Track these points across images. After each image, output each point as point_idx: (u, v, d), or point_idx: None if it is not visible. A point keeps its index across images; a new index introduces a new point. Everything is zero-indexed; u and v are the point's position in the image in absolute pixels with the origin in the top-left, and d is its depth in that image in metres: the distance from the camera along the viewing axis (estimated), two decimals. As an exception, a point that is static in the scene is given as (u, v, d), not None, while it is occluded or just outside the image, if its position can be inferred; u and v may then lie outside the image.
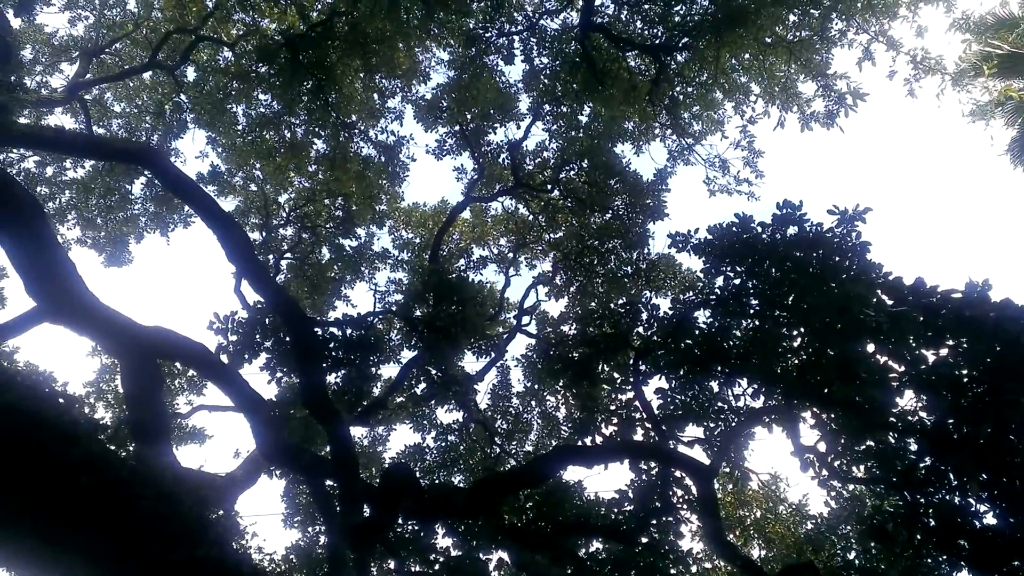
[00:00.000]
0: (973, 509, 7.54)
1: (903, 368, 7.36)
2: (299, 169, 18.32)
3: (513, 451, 16.67)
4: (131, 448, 10.92)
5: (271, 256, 18.32)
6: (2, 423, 3.69)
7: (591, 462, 9.80)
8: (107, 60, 17.66)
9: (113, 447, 4.73)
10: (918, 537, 7.92)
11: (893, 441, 8.11)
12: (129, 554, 3.90)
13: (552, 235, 18.88)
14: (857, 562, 10.79)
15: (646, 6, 13.84)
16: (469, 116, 16.83)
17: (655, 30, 13.72)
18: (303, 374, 11.31)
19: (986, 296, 6.65)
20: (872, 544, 9.45)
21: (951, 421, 7.28)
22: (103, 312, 9.77)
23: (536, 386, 16.83)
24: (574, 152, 16.83)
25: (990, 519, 7.49)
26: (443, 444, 16.22)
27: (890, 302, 7.23)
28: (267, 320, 12.14)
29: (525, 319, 18.62)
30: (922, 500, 7.94)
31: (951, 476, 7.70)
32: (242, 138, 17.47)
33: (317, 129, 16.82)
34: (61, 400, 4.45)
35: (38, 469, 3.74)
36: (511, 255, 19.66)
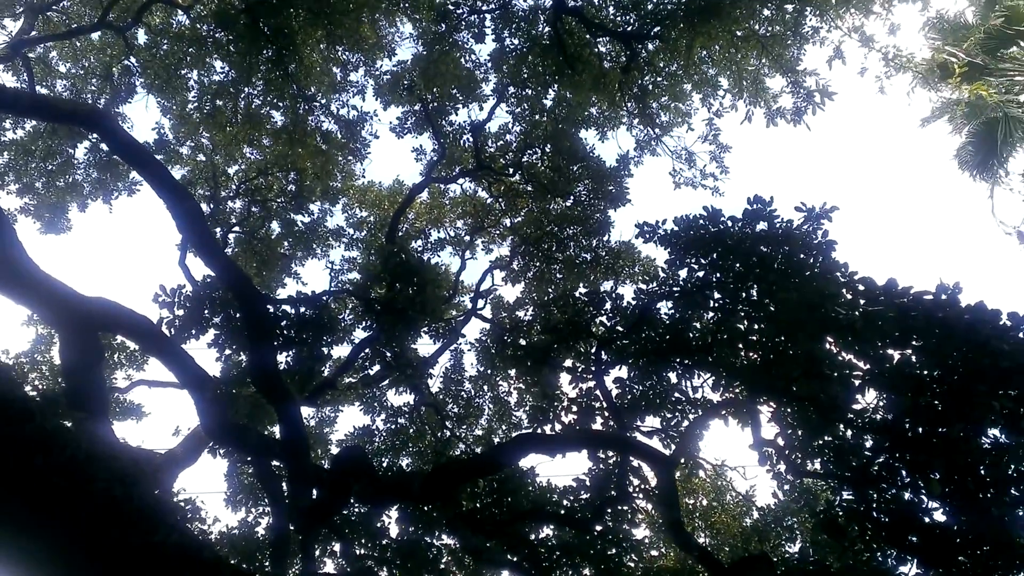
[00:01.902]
0: (924, 506, 7.69)
1: (868, 366, 7.43)
2: (254, 141, 17.74)
3: (463, 435, 16.53)
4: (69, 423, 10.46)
5: (219, 229, 17.73)
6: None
7: (552, 451, 9.72)
8: (54, 17, 16.79)
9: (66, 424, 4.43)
10: (869, 531, 8.04)
11: (850, 437, 8.21)
12: (84, 539, 3.64)
13: (511, 219, 18.73)
14: (804, 553, 10.94)
15: (620, -9, 13.72)
16: (431, 95, 16.50)
17: (628, 16, 13.61)
18: (253, 352, 10.96)
19: (956, 299, 6.73)
20: (821, 536, 9.58)
21: (908, 420, 7.40)
22: (43, 280, 9.26)
23: (489, 371, 16.71)
24: (537, 136, 16.67)
25: (940, 516, 7.67)
26: (393, 426, 15.99)
27: (862, 301, 7.26)
28: (216, 295, 11.74)
29: (480, 303, 18.47)
30: (875, 496, 8.06)
31: (904, 473, 7.84)
32: (194, 106, 16.82)
33: (275, 100, 16.28)
34: (11, 372, 4.12)
35: (-14, 446, 3.45)
36: (468, 238, 19.44)
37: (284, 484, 11.40)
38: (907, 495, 7.80)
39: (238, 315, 11.27)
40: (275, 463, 11.77)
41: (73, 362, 9.70)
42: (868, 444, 8.09)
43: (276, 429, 12.29)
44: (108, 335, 15.34)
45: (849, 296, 7.60)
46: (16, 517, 3.58)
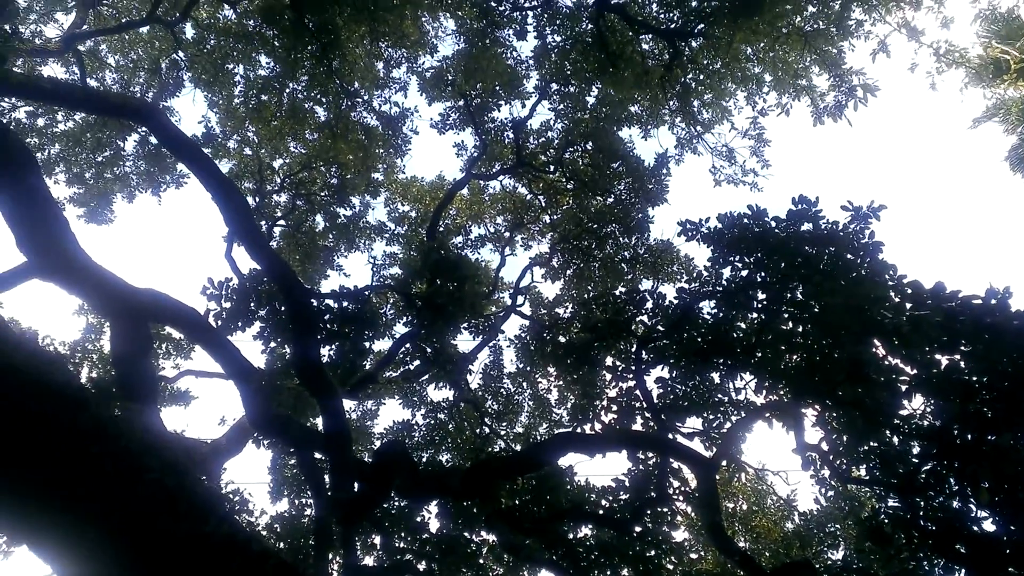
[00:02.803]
0: (973, 515, 7.53)
1: (914, 371, 7.29)
2: (297, 135, 17.97)
3: (503, 432, 16.58)
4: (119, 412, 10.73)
5: (264, 222, 18.00)
6: (11, 385, 3.49)
7: (592, 450, 9.71)
8: (104, 11, 17.15)
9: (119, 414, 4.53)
10: (915, 539, 7.90)
11: (896, 444, 8.07)
12: (136, 528, 3.72)
13: (551, 216, 18.70)
14: (847, 562, 10.79)
15: (663, -11, 13.60)
16: (473, 92, 16.54)
17: (671, 14, 13.48)
18: (297, 345, 11.12)
19: (1006, 303, 6.56)
20: (867, 544, 9.43)
21: (957, 427, 7.25)
22: (95, 271, 9.52)
23: (528, 368, 16.73)
24: (579, 133, 16.61)
25: (989, 525, 7.51)
26: (432, 422, 16.10)
27: (908, 305, 7.12)
28: (262, 288, 11.92)
29: (519, 300, 18.48)
30: (921, 503, 7.92)
31: (952, 481, 7.68)
32: (240, 100, 17.08)
33: (318, 95, 16.45)
34: (66, 363, 4.24)
35: (46, 436, 3.55)
36: (508, 234, 19.48)
37: (326, 476, 11.54)
38: (955, 503, 7.66)
39: (283, 308, 11.44)
40: (318, 455, 11.94)
41: (124, 351, 9.95)
42: (915, 451, 7.96)
43: (319, 421, 12.46)
44: (156, 325, 15.69)
45: (896, 299, 7.45)
46: (68, 505, 3.65)
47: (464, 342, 17.16)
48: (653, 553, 10.09)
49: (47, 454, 3.54)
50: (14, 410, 3.50)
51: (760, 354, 9.00)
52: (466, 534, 10.60)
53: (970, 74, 12.73)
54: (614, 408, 10.71)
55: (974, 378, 6.95)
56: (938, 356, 7.11)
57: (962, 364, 6.96)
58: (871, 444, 8.13)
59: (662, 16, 13.95)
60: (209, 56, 16.55)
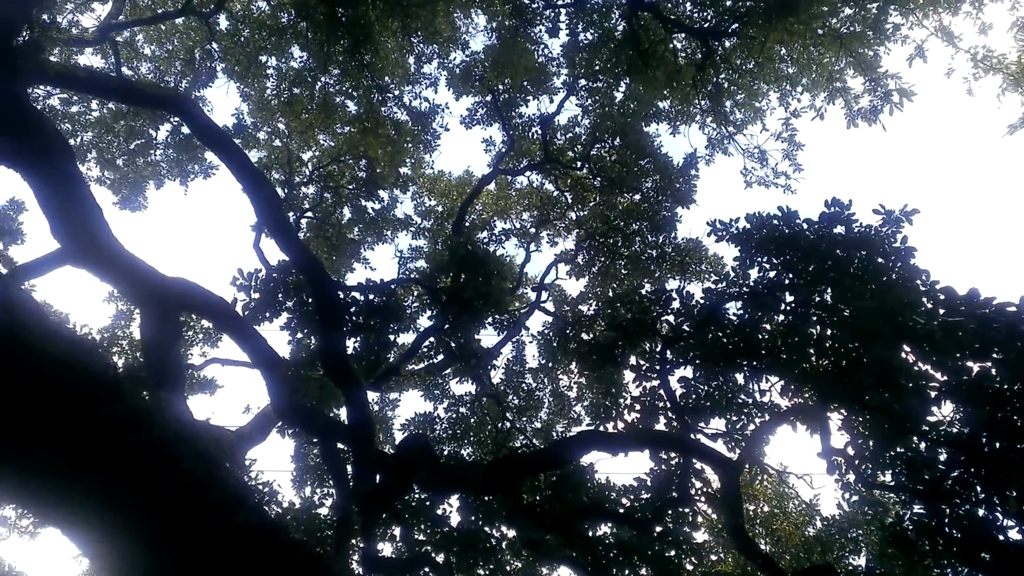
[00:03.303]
0: (1000, 523, 7.46)
1: (945, 377, 7.21)
2: (328, 128, 18.08)
3: (524, 427, 16.61)
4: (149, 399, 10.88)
5: (292, 214, 18.15)
6: (51, 375, 3.57)
7: (614, 449, 9.70)
8: (140, 2, 17.35)
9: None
10: (940, 547, 7.84)
11: (923, 450, 7.99)
12: (169, 517, 3.79)
13: (577, 213, 18.67)
14: (870, 567, 10.72)
15: (697, -12, 13.50)
16: (502, 87, 16.54)
17: (705, 13, 13.39)
18: (323, 336, 11.22)
19: (1042, 311, 6.47)
20: (890, 550, 9.36)
21: (986, 434, 7.17)
22: (128, 259, 9.66)
23: (551, 364, 16.74)
24: (607, 130, 16.55)
25: (1015, 534, 7.43)
26: (454, 415, 16.17)
27: (941, 311, 7.04)
28: (289, 279, 12.03)
29: (544, 296, 18.48)
30: (947, 511, 7.84)
31: (979, 489, 7.60)
32: (272, 92, 17.22)
33: (350, 89, 16.54)
34: (102, 352, 4.32)
35: (84, 423, 3.62)
36: (533, 230, 19.48)
37: (349, 467, 11.64)
38: (981, 511, 7.59)
39: (310, 300, 11.54)
40: (340, 445, 12.04)
41: (154, 339, 10.10)
42: (942, 458, 7.88)
43: (342, 412, 12.55)
44: (185, 313, 15.89)
45: (928, 305, 7.37)
46: (103, 492, 3.72)
47: (487, 337, 17.20)
48: (673, 553, 10.08)
49: (84, 441, 3.61)
50: (54, 397, 3.58)
51: (786, 356, 8.94)
52: (486, 529, 10.65)
53: (1008, 80, 12.51)
54: (637, 407, 10.69)
55: (1006, 386, 6.86)
56: (970, 363, 7.02)
57: (994, 371, 6.88)
58: (898, 450, 8.07)
59: (696, 15, 13.86)
60: (243, 48, 16.68)
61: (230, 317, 11.02)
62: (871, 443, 8.27)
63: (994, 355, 6.87)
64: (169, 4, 17.34)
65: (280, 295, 11.76)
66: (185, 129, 17.05)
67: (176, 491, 3.89)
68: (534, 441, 16.04)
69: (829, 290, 8.51)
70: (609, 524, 11.05)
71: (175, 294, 10.10)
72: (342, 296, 12.05)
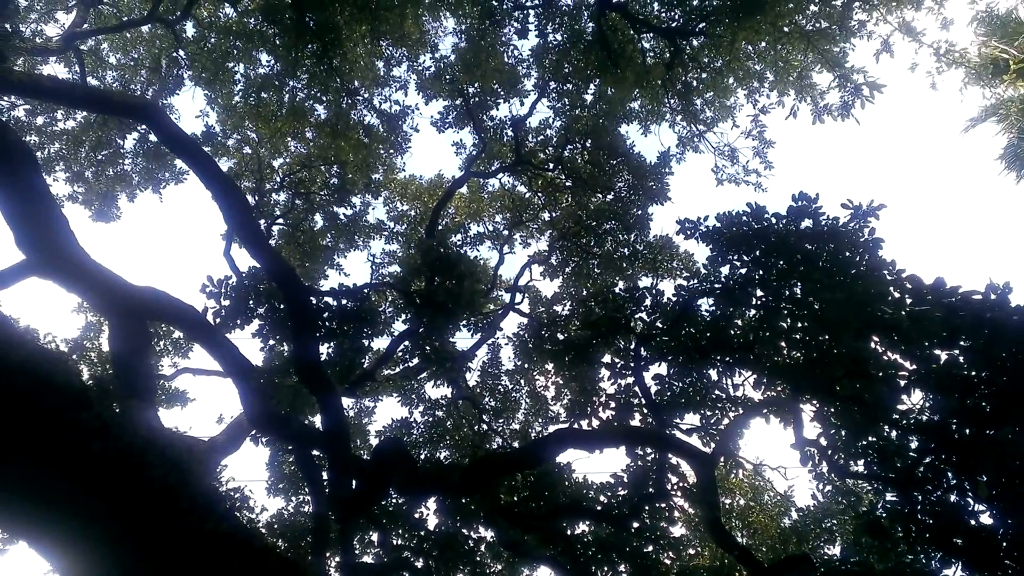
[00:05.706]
0: (971, 509, 7.56)
1: (914, 366, 7.31)
2: (297, 134, 17.97)
3: (500, 429, 16.60)
4: (119, 409, 10.72)
5: (263, 221, 17.99)
6: (15, 383, 3.49)
7: (590, 446, 9.72)
8: (105, 10, 17.14)
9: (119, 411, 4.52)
10: (913, 533, 7.93)
11: (895, 438, 8.09)
12: (138, 526, 3.72)
13: (550, 214, 18.71)
14: (846, 555, 10.81)
15: (665, -12, 13.59)
16: (473, 90, 16.53)
17: (672, 12, 13.49)
18: (296, 342, 11.13)
19: (1006, 298, 6.58)
20: (865, 539, 9.46)
21: (955, 421, 7.27)
22: (94, 269, 9.50)
23: (526, 365, 16.75)
24: (578, 131, 16.60)
25: (987, 519, 7.53)
26: (430, 419, 16.11)
27: (908, 300, 7.14)
28: (261, 286, 11.91)
29: (518, 297, 18.49)
30: (920, 497, 7.94)
31: (951, 475, 7.71)
32: (240, 98, 17.08)
33: (319, 94, 16.45)
34: (68, 360, 4.24)
35: (49, 433, 3.55)
36: (506, 232, 19.48)
37: (325, 473, 11.56)
38: (953, 497, 7.69)
39: (282, 306, 11.44)
40: (316, 452, 11.95)
41: (122, 349, 9.95)
42: (913, 445, 7.98)
43: (317, 419, 12.47)
44: (155, 323, 15.69)
45: (896, 295, 7.46)
46: (70, 502, 3.65)
47: (463, 339, 17.17)
48: (651, 549, 10.13)
49: (49, 452, 3.54)
50: (16, 408, 3.50)
51: (758, 350, 9.02)
52: (464, 531, 10.63)
53: (969, 74, 12.76)
54: (612, 404, 10.72)
55: (973, 373, 6.97)
56: (938, 351, 7.13)
57: (961, 359, 6.98)
58: (870, 439, 8.16)
59: (663, 15, 13.96)
60: (209, 54, 16.55)
61: (201, 325, 10.87)
62: (843, 433, 8.35)
63: (961, 343, 6.98)
64: (135, 12, 17.15)
65: (251, 302, 11.65)
66: (153, 137, 16.86)
67: (145, 498, 3.82)
68: (511, 443, 16.03)
69: (799, 284, 8.60)
70: (587, 522, 11.08)
71: (143, 303, 9.95)
72: (315, 302, 11.96)
